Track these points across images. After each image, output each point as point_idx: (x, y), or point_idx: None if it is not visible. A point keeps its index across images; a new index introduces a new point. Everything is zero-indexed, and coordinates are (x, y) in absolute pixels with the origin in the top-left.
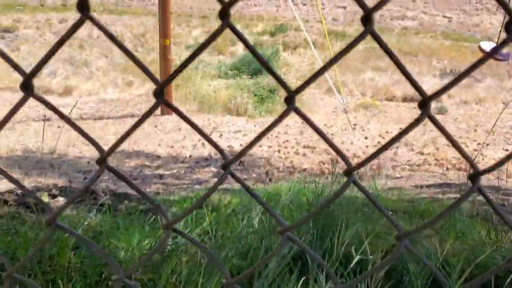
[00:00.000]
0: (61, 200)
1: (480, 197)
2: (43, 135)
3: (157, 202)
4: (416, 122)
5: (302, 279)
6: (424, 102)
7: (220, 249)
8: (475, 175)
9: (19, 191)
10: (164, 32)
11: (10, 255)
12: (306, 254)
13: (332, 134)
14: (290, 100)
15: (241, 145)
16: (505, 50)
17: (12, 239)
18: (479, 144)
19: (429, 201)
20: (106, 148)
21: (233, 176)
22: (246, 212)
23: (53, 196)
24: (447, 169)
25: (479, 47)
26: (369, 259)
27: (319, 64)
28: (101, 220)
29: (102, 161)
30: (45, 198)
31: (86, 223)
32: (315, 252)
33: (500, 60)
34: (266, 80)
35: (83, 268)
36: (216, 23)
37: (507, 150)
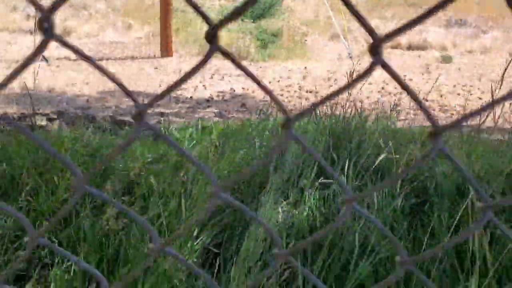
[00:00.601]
0: (57, 122)
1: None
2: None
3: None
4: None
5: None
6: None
7: (229, 158)
8: (436, 132)
9: (15, 115)
10: None
11: (7, 160)
12: None
13: (335, 80)
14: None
15: (243, 88)
16: None
17: (6, 148)
18: (483, 92)
19: None
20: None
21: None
22: (257, 125)
23: (51, 120)
24: (452, 115)
25: None
26: (394, 158)
27: (327, 8)
28: (100, 139)
29: None
30: (43, 122)
31: (84, 140)
32: (332, 156)
33: None
34: (269, 24)
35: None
36: None
37: None
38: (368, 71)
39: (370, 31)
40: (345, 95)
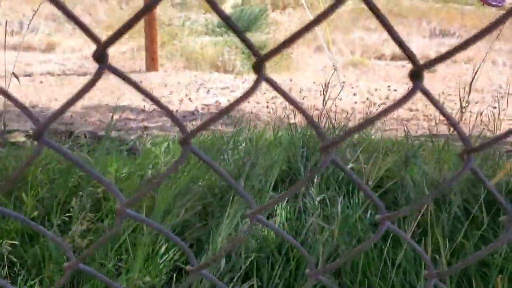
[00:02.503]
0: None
1: None
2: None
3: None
4: (408, 96)
5: None
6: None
7: (190, 173)
8: (468, 152)
9: None
10: None
11: None
12: None
13: (320, 91)
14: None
15: (228, 100)
16: None
17: None
18: (467, 102)
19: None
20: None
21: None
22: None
23: (30, 137)
24: (436, 124)
25: None
26: (363, 168)
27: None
28: (77, 154)
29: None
30: (22, 138)
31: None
32: (306, 165)
33: (494, 5)
34: (255, 37)
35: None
36: None
37: (494, 107)
38: (408, 96)
39: (410, 56)
40: (321, 105)
